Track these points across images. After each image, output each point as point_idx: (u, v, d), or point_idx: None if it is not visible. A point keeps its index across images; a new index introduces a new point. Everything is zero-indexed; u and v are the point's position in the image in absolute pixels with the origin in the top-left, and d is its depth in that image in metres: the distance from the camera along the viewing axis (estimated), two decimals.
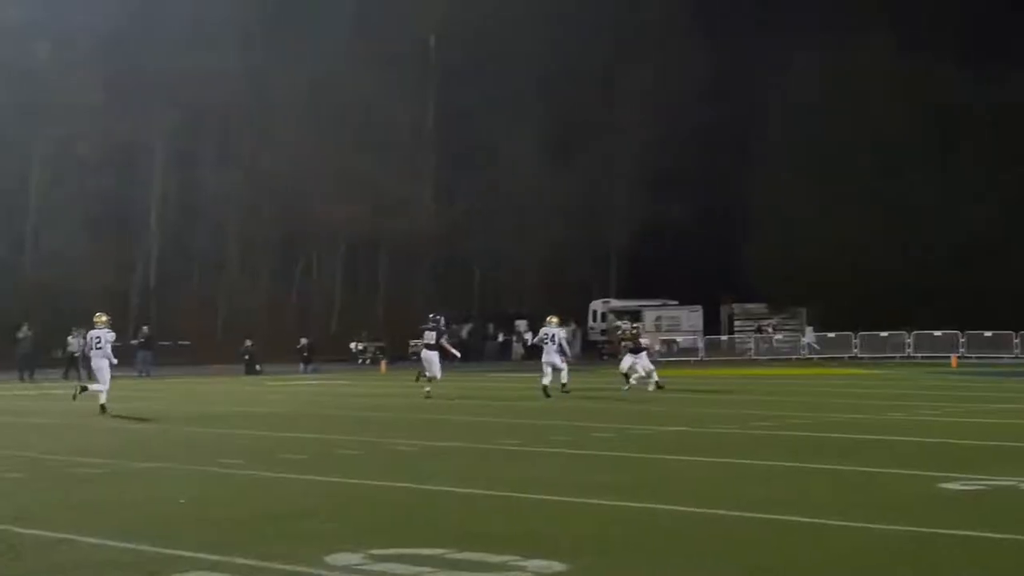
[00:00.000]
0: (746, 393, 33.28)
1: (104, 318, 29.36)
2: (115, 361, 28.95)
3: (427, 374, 33.61)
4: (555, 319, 36.01)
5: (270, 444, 19.79)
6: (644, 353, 35.94)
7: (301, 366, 58.59)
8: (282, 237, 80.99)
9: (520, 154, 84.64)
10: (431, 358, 33.67)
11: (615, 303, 79.40)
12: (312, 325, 76.91)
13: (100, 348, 28.48)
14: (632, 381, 35.22)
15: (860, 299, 70.01)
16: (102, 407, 27.59)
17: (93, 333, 29.00)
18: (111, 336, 28.94)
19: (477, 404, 30.37)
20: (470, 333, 74.82)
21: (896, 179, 72.30)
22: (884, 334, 65.93)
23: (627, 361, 35.83)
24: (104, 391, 28.09)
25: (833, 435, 20.32)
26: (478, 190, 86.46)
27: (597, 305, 79.84)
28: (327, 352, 67.57)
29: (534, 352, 72.07)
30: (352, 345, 70.99)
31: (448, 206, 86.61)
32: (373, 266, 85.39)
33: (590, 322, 78.31)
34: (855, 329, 66.43)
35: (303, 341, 60.29)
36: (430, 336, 34.22)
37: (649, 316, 73.27)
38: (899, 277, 71.25)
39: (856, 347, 66.14)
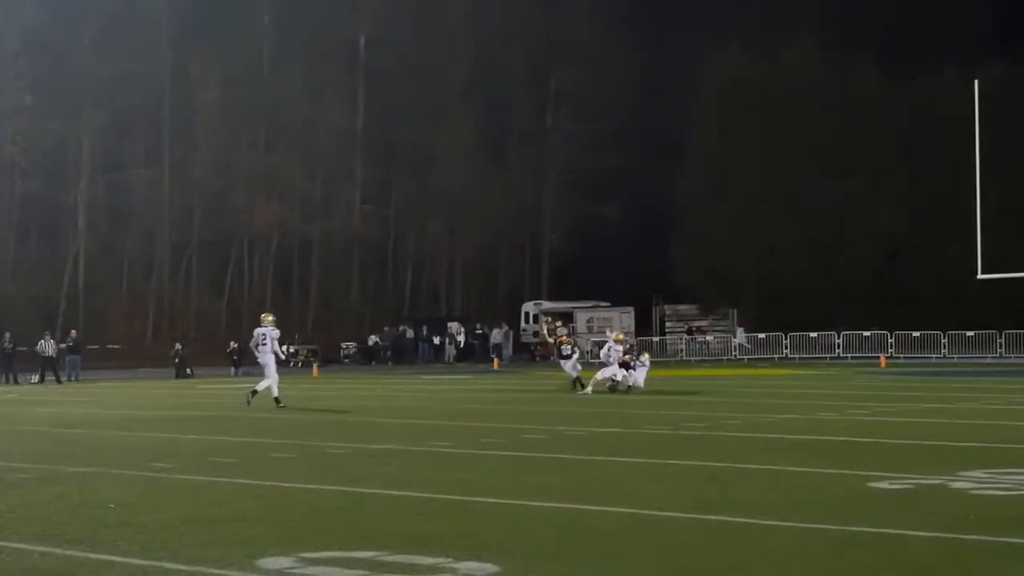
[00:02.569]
0: (679, 394, 33.43)
1: (271, 317, 30.89)
2: (283, 357, 30.80)
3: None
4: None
5: (201, 448, 19.68)
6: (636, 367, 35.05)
7: (232, 369, 58.28)
8: (212, 239, 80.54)
9: (451, 156, 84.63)
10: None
11: (547, 304, 79.49)
12: (243, 328, 76.57)
13: (265, 344, 29.84)
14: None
15: (790, 300, 70.49)
16: (276, 400, 29.18)
17: (259, 331, 30.29)
18: (276, 333, 30.33)
19: (409, 407, 30.33)
20: (402, 334, 74.67)
21: (823, 181, 72.79)
22: (814, 335, 66.44)
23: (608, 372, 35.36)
24: (273, 384, 29.53)
25: (764, 435, 20.47)
26: (409, 192, 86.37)
27: (529, 307, 79.89)
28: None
29: (467, 354, 72.43)
30: (284, 348, 70.64)
31: (379, 208, 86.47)
32: (305, 269, 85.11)
33: (522, 324, 78.35)
34: (785, 330, 66.87)
35: (233, 344, 59.98)
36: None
37: (581, 317, 73.39)
38: (829, 278, 71.81)
39: (786, 348, 66.57)
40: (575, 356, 36.87)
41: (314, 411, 29.14)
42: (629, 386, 34.18)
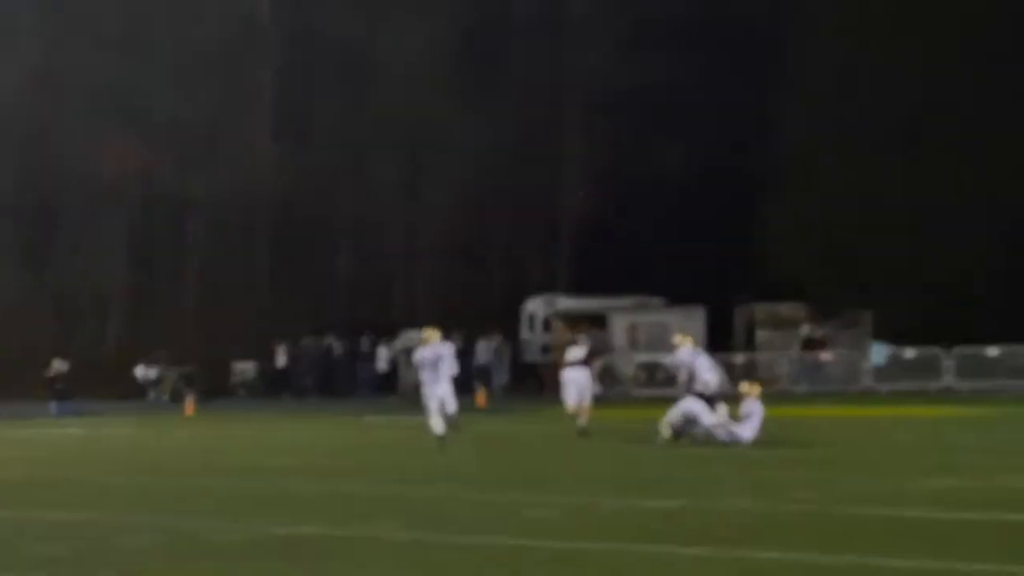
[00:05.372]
0: (779, 445, 33.38)
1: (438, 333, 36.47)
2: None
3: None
4: None
5: (11, 530, 19.68)
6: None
7: (53, 405, 58.14)
8: (27, 195, 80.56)
9: (410, 64, 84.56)
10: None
11: (565, 302, 79.39)
12: (75, 338, 76.47)
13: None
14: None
15: (958, 299, 70.37)
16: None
17: (426, 351, 35.64)
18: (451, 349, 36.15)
19: (336, 466, 30.41)
20: (331, 350, 74.63)
21: (997, 128, 72.57)
22: (994, 352, 66.28)
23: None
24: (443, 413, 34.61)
25: (913, 514, 20.43)
26: (343, 123, 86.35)
27: (536, 306, 79.75)
28: (98, 383, 67.30)
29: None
30: (139, 371, 70.66)
31: (295, 148, 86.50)
32: (178, 242, 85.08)
33: (524, 333, 78.31)
34: (949, 343, 66.65)
35: (57, 365, 59.84)
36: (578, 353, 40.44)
37: (619, 323, 73.29)
38: (1012, 267, 71.60)
39: (950, 372, 66.39)
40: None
41: (187, 472, 29.14)
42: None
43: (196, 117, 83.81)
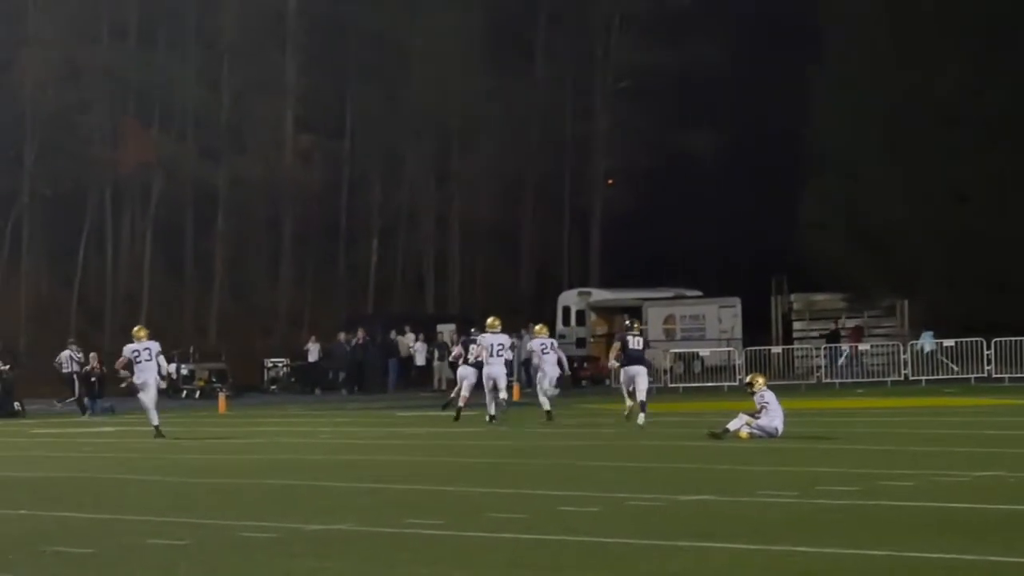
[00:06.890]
0: (813, 439, 33.43)
1: (497, 322, 41.87)
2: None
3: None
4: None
5: (43, 529, 19.88)
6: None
7: (87, 402, 58.02)
8: (54, 190, 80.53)
9: (440, 52, 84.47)
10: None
11: (600, 295, 79.32)
12: (107, 333, 76.45)
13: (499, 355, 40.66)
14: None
15: (999, 286, 70.11)
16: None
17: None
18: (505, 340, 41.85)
19: (373, 461, 30.69)
20: (363, 345, 74.58)
21: None
22: None
23: None
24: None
25: (952, 505, 20.52)
26: (372, 111, 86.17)
27: (570, 299, 79.75)
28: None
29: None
30: (171, 368, 70.67)
31: (324, 138, 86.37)
32: (204, 235, 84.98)
33: (559, 326, 78.31)
34: (988, 334, 66.35)
35: (92, 361, 59.69)
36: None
37: (655, 315, 73.13)
38: None
39: (990, 363, 66.11)
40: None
41: (220, 472, 29.30)
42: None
43: (220, 106, 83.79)
